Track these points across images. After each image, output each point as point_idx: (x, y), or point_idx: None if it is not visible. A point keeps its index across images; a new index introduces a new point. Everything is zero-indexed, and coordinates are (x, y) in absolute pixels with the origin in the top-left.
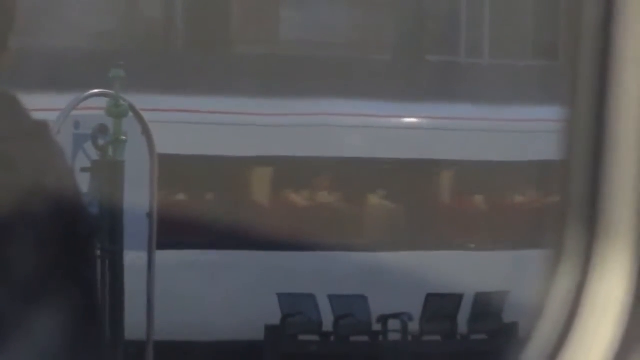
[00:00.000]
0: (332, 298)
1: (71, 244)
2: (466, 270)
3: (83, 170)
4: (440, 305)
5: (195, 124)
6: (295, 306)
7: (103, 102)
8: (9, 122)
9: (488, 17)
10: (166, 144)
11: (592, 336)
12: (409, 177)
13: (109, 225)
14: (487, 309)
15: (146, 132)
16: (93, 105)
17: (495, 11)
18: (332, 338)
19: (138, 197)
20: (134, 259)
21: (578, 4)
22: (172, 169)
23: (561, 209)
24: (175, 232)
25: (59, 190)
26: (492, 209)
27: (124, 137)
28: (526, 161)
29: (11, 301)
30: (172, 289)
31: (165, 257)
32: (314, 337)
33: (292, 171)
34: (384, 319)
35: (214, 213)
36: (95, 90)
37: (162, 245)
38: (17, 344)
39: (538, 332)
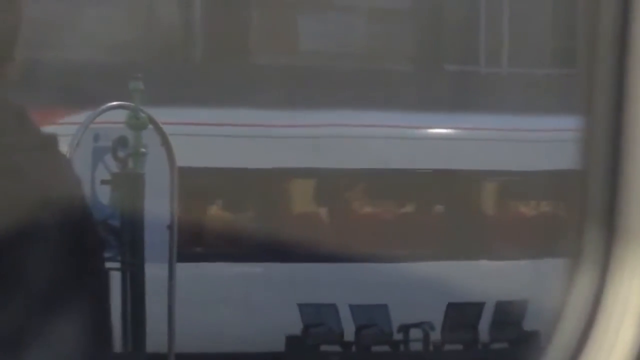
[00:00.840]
0: (353, 308)
1: (79, 256)
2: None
3: (103, 182)
4: (461, 314)
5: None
6: (317, 316)
7: (122, 114)
8: (17, 134)
9: (507, 26)
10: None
11: (611, 342)
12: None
13: (129, 237)
14: (508, 317)
15: (166, 144)
16: (112, 117)
17: (514, 20)
18: (354, 348)
19: (158, 209)
20: (154, 271)
21: (595, 12)
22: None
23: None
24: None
25: (67, 202)
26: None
27: (143, 150)
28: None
29: (19, 313)
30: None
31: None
32: (336, 348)
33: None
34: (405, 329)
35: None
36: (115, 103)
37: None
38: (25, 357)
39: (557, 338)
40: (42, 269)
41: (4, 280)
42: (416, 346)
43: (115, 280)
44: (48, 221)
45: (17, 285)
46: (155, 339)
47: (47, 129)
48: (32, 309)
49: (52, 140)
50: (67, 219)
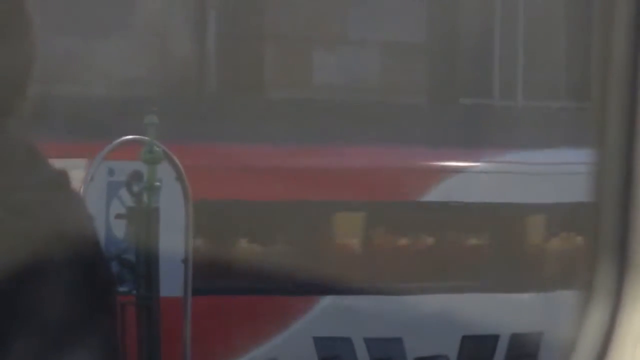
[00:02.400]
0: (368, 341)
1: (90, 294)
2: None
3: (118, 217)
4: (476, 347)
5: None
6: (332, 350)
7: (137, 148)
8: (28, 171)
9: (522, 58)
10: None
11: None
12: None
13: (144, 271)
14: (522, 350)
15: (180, 178)
16: (126, 152)
17: (529, 53)
18: None
19: (173, 243)
20: (169, 304)
21: (607, 45)
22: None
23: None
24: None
25: (78, 240)
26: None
27: (158, 184)
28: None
29: (29, 350)
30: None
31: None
32: None
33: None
34: None
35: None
36: (129, 137)
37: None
38: None
39: None
40: (52, 308)
41: (14, 319)
42: None
43: (130, 315)
44: (58, 260)
45: (27, 324)
46: None
47: (60, 163)
48: (43, 347)
49: (63, 177)
50: (77, 257)
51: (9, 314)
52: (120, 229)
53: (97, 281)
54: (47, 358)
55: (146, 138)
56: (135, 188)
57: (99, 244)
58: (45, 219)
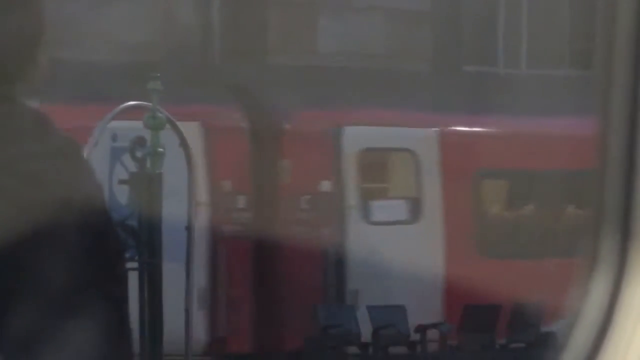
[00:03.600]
0: (370, 309)
1: (100, 262)
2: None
3: (121, 182)
4: (479, 316)
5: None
6: (334, 318)
7: (140, 114)
8: (39, 139)
9: (526, 27)
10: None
11: (628, 341)
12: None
13: (147, 237)
14: (525, 318)
15: (184, 144)
16: (130, 117)
17: (533, 21)
18: (371, 349)
19: (176, 209)
20: (172, 270)
21: (612, 13)
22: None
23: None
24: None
25: (88, 207)
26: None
27: (161, 149)
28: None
29: (41, 317)
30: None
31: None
32: (353, 349)
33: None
34: (422, 329)
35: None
36: (132, 103)
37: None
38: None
39: (574, 338)
40: (63, 275)
41: (25, 286)
42: (433, 347)
43: (133, 280)
44: (69, 228)
45: (38, 292)
46: (172, 340)
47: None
48: (54, 314)
49: (73, 145)
50: (87, 225)
51: (20, 282)
52: (123, 195)
53: (107, 250)
54: (58, 325)
55: (150, 104)
56: (139, 154)
57: (108, 212)
58: (55, 188)
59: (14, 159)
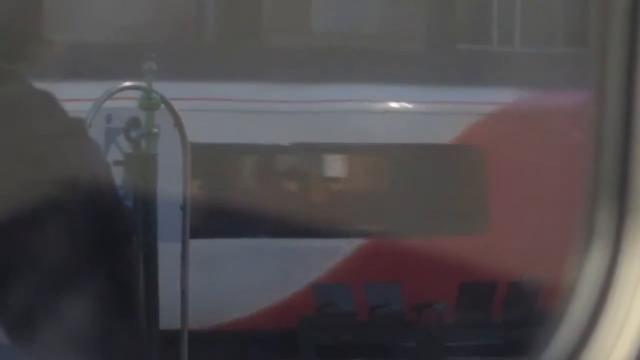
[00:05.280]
0: (367, 287)
1: (109, 242)
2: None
3: (116, 163)
4: (474, 293)
5: (226, 111)
6: (330, 296)
7: (135, 95)
8: (46, 120)
9: (519, 4)
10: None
11: (625, 315)
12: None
13: (142, 217)
14: (521, 295)
15: (178, 124)
16: (125, 97)
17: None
18: (367, 327)
19: (171, 189)
20: (167, 250)
21: None
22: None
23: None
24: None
25: (96, 188)
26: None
27: (156, 130)
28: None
29: (50, 298)
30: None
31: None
32: (349, 327)
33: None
34: (418, 308)
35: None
36: (127, 83)
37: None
38: (55, 338)
39: (569, 316)
40: (70, 254)
41: (33, 267)
42: (429, 325)
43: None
44: (77, 208)
45: (45, 270)
46: (168, 316)
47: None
48: (60, 293)
49: (80, 125)
50: (96, 205)
51: (28, 262)
52: (118, 176)
53: (115, 230)
54: (67, 304)
55: (144, 84)
56: (133, 134)
57: (117, 192)
58: (63, 167)
59: (22, 139)
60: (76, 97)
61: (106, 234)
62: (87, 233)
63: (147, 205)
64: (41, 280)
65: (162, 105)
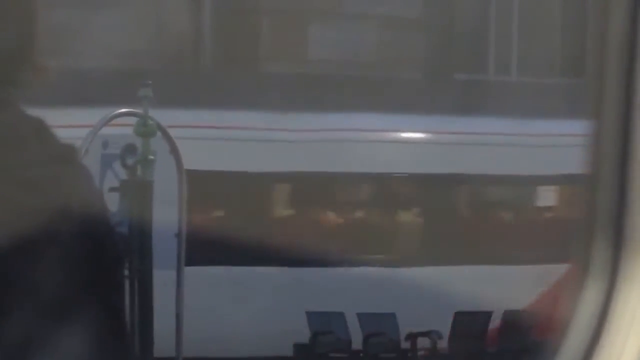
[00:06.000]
0: (361, 316)
1: (99, 269)
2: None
3: (112, 190)
4: (469, 323)
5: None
6: (325, 324)
7: (131, 121)
8: (35, 147)
9: (516, 35)
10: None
11: (620, 348)
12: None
13: (138, 244)
14: (515, 326)
15: (174, 151)
16: (121, 124)
17: (524, 29)
18: (362, 356)
19: (167, 216)
20: (162, 277)
21: (605, 18)
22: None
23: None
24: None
25: (87, 214)
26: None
27: (152, 157)
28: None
29: (39, 323)
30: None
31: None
32: (344, 356)
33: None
34: (412, 337)
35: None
36: (123, 110)
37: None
38: None
39: (566, 345)
40: (61, 282)
41: (23, 293)
42: (424, 354)
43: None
44: (68, 234)
45: (36, 298)
46: (163, 344)
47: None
48: (51, 321)
49: (71, 152)
50: (87, 233)
51: (18, 289)
52: (113, 202)
53: (106, 257)
54: (55, 333)
55: (140, 111)
56: (130, 161)
57: (108, 219)
58: (55, 195)
59: (13, 165)
60: (73, 123)
61: (97, 260)
62: (77, 259)
63: (142, 231)
64: (31, 308)
65: (158, 132)
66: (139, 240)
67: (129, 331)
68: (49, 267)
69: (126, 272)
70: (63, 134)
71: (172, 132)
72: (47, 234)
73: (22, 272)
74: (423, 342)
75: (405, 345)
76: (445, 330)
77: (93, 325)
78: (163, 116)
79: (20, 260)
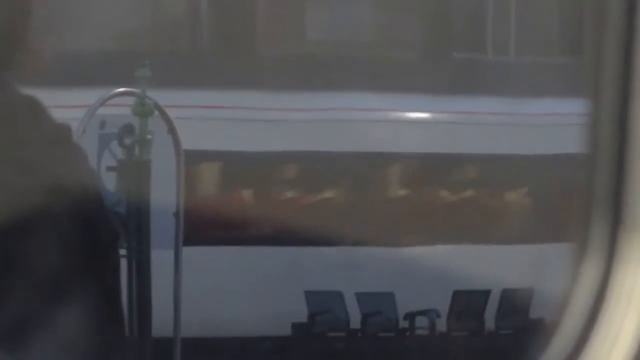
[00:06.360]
0: (359, 295)
1: (92, 248)
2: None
3: (109, 169)
4: (467, 302)
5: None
6: (323, 304)
7: (129, 101)
8: (32, 126)
9: (514, 14)
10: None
11: (618, 327)
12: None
13: (135, 224)
14: (513, 305)
15: (172, 131)
16: (119, 104)
17: (522, 8)
18: (360, 335)
19: (164, 196)
20: (160, 257)
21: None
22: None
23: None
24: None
25: (82, 194)
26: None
27: (149, 136)
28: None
29: (33, 303)
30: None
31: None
32: (342, 335)
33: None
34: (411, 316)
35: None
36: (120, 89)
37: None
38: (39, 345)
39: (564, 324)
40: (55, 261)
41: (18, 272)
42: (422, 333)
43: (122, 267)
44: (61, 214)
45: (29, 277)
46: (161, 324)
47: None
48: (44, 301)
49: (65, 131)
50: (80, 211)
51: (10, 268)
52: (111, 182)
53: (100, 236)
54: (48, 312)
55: (138, 90)
56: (127, 141)
57: (101, 198)
58: (49, 173)
59: (7, 145)
60: (70, 103)
61: (90, 240)
62: (71, 238)
63: (140, 211)
64: (25, 287)
65: (156, 112)
66: (137, 220)
67: (123, 310)
68: (42, 246)
69: (124, 252)
70: (61, 115)
71: (170, 112)
72: (40, 213)
73: (15, 252)
74: (421, 321)
75: (403, 324)
76: (444, 309)
77: (87, 305)
78: (160, 96)
79: (14, 240)
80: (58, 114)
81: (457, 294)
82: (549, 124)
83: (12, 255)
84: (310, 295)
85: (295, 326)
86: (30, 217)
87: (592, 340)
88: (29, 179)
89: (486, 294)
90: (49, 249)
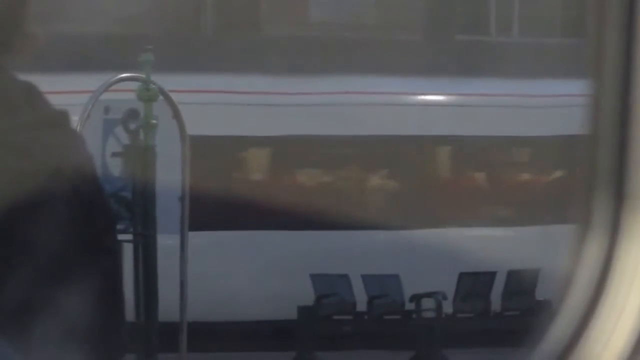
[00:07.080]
0: (365, 278)
1: (89, 233)
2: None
3: (114, 155)
4: (473, 284)
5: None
6: (329, 287)
7: (133, 86)
8: (26, 112)
9: None
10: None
11: (621, 305)
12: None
13: (141, 209)
14: (520, 286)
15: (177, 115)
16: (123, 89)
17: None
18: (366, 318)
19: (170, 181)
20: (166, 242)
21: None
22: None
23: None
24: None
25: (78, 179)
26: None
27: (154, 121)
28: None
29: (31, 287)
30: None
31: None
32: (348, 317)
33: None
34: (417, 298)
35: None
36: (124, 75)
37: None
38: (37, 329)
39: (567, 305)
40: (53, 246)
41: (16, 257)
42: (428, 316)
43: (128, 252)
44: (58, 199)
45: (27, 261)
46: (167, 308)
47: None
48: (43, 284)
49: (63, 117)
50: (77, 197)
51: (8, 252)
52: (116, 167)
53: (97, 220)
54: (47, 295)
55: (142, 75)
56: (132, 126)
57: (99, 182)
58: (45, 158)
59: (4, 129)
60: (74, 89)
61: (87, 225)
62: (68, 224)
63: (145, 196)
64: (23, 272)
65: (161, 97)
66: (143, 204)
67: (122, 295)
68: (39, 230)
69: (130, 237)
70: (65, 101)
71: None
72: (36, 198)
73: (11, 235)
74: (428, 304)
75: (409, 306)
76: (450, 291)
77: (84, 289)
78: (163, 81)
79: (10, 223)
80: (62, 100)
81: (463, 276)
82: (553, 105)
83: (8, 237)
84: (316, 279)
85: (302, 309)
86: (25, 201)
87: (596, 318)
88: (24, 163)
89: (492, 275)
90: (45, 233)
